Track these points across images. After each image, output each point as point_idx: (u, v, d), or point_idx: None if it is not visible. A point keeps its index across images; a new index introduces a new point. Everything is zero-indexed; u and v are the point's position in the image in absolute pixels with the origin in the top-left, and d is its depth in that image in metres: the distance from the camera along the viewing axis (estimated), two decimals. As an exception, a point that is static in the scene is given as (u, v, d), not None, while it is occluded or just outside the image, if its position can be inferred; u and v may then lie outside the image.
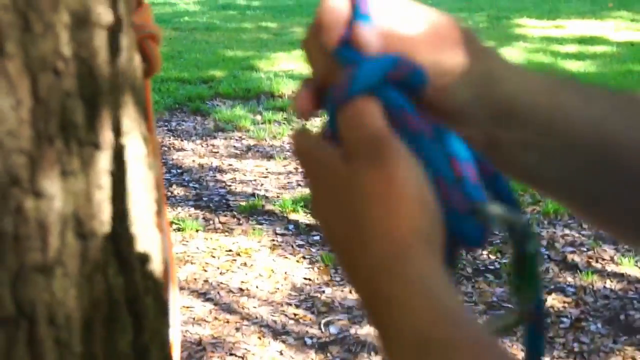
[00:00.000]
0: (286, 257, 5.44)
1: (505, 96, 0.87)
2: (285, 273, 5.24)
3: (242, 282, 5.16)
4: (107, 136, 0.94)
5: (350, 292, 4.97)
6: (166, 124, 8.00)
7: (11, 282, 0.86)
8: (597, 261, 5.39)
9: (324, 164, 0.82)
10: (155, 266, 1.04)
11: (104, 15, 0.93)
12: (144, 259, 1.01)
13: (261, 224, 5.94)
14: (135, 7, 1.16)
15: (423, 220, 0.78)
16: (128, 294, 0.98)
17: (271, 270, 5.30)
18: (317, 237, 5.67)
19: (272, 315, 4.72)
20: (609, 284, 5.11)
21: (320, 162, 0.83)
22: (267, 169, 6.98)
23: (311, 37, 0.87)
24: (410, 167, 0.79)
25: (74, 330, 0.92)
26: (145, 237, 1.01)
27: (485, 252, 5.48)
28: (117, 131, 0.96)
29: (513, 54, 10.38)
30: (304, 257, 5.44)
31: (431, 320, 0.73)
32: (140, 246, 1.00)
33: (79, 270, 0.92)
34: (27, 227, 0.87)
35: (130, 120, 0.98)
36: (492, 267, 5.31)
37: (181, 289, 5.02)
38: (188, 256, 5.46)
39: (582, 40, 11.10)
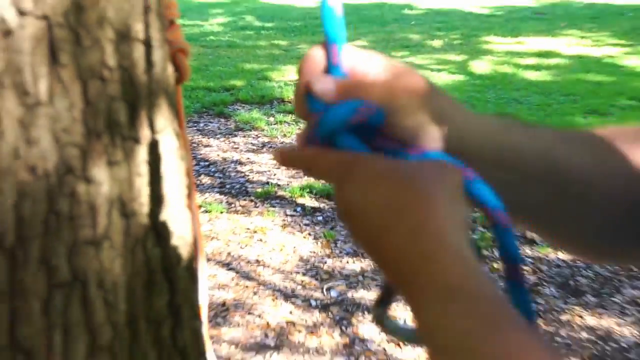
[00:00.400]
0: (294, 234, 5.44)
1: (455, 136, 0.87)
2: (294, 247, 5.25)
3: (258, 254, 5.16)
4: (145, 132, 0.94)
5: (347, 262, 4.98)
6: (195, 124, 7.99)
7: (67, 254, 0.87)
8: (551, 236, 5.39)
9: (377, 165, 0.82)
10: (186, 240, 1.04)
11: (142, 32, 0.93)
12: (177, 234, 1.01)
13: (274, 206, 5.94)
14: (168, 26, 1.16)
15: (456, 212, 0.79)
16: (164, 263, 0.98)
17: (282, 245, 5.30)
18: (320, 218, 5.68)
19: (283, 282, 4.72)
20: (560, 255, 5.11)
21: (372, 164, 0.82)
22: (279, 162, 6.96)
23: (296, 81, 0.88)
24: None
25: (119, 293, 0.92)
26: (178, 216, 1.01)
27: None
28: (154, 128, 0.96)
29: (482, 65, 10.35)
30: (309, 234, 5.44)
31: (461, 274, 0.74)
32: (174, 224, 1.00)
33: (122, 244, 0.92)
34: (80, 208, 0.87)
35: (164, 119, 0.98)
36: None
37: (208, 260, 5.02)
38: (214, 233, 5.46)
39: (539, 54, 11.05)
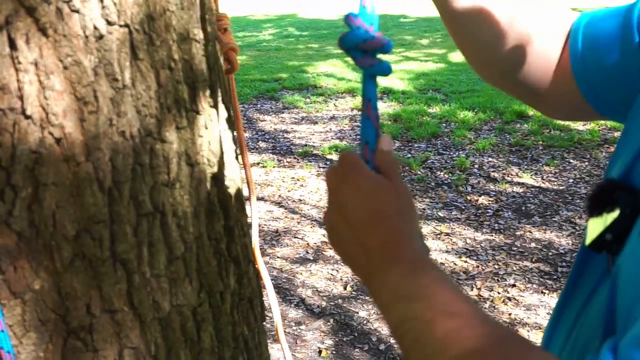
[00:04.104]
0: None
1: None
2: (325, 190, 5.26)
3: (301, 195, 5.19)
4: (202, 106, 0.94)
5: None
6: (254, 105, 8.00)
7: (149, 192, 0.87)
8: (508, 176, 5.35)
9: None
10: (236, 181, 1.03)
11: (198, 34, 0.92)
12: (229, 177, 1.00)
13: (311, 162, 5.95)
14: (223, 32, 1.15)
15: (407, 215, 0.76)
16: (219, 197, 0.98)
17: (317, 188, 5.31)
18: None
19: (318, 214, 4.74)
20: (515, 189, 5.08)
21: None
22: (314, 130, 6.96)
23: None
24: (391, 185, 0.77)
25: (188, 219, 0.92)
26: (229, 164, 1.01)
27: (442, 173, 5.45)
28: (208, 103, 0.95)
29: (457, 56, 10.18)
30: (336, 180, 5.46)
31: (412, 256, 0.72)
32: (226, 169, 1.00)
33: (189, 184, 0.92)
34: (157, 160, 0.87)
35: (216, 96, 0.97)
36: (446, 182, 5.28)
37: (265, 201, 5.06)
38: (269, 181, 5.49)
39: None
